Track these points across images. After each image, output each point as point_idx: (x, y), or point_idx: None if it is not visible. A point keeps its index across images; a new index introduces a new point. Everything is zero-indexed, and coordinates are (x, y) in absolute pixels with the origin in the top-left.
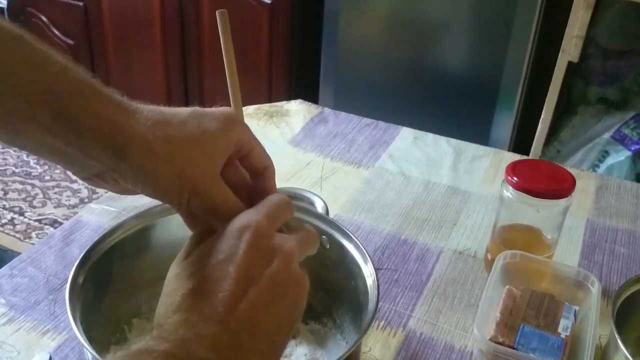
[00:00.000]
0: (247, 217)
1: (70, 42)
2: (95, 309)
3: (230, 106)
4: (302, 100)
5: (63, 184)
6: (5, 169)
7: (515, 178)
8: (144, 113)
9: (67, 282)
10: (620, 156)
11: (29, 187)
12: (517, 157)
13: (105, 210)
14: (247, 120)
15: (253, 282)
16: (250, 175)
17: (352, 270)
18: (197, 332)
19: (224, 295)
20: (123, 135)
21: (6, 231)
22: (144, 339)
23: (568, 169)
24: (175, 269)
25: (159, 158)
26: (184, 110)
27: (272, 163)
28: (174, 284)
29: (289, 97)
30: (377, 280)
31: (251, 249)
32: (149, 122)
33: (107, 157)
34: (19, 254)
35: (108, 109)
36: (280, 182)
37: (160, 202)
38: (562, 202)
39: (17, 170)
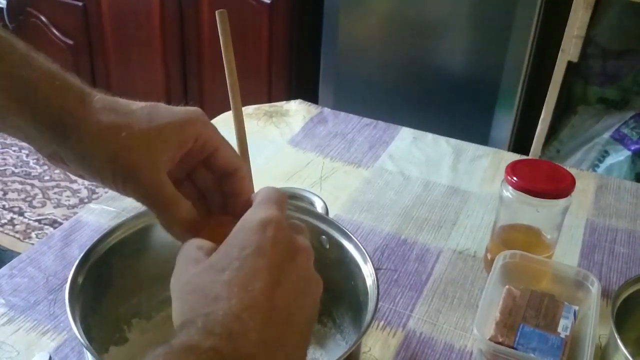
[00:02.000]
0: (264, 212)
1: (70, 42)
2: (95, 309)
3: (230, 106)
4: (301, 100)
5: (63, 184)
6: (4, 169)
7: (514, 178)
8: (94, 99)
9: (66, 282)
10: (619, 156)
11: (28, 187)
12: (516, 157)
13: (105, 210)
14: (247, 120)
15: (283, 275)
16: (221, 177)
17: (351, 270)
18: (243, 324)
19: (261, 285)
20: (68, 117)
21: (6, 231)
22: (186, 331)
23: (568, 169)
24: (197, 268)
25: (95, 141)
26: (141, 103)
27: (244, 165)
28: (206, 277)
29: (289, 97)
30: (377, 280)
31: (277, 242)
32: (97, 107)
33: (54, 137)
34: (18, 254)
35: (60, 92)
36: (280, 182)
37: None
38: (561, 201)
39: (16, 171)
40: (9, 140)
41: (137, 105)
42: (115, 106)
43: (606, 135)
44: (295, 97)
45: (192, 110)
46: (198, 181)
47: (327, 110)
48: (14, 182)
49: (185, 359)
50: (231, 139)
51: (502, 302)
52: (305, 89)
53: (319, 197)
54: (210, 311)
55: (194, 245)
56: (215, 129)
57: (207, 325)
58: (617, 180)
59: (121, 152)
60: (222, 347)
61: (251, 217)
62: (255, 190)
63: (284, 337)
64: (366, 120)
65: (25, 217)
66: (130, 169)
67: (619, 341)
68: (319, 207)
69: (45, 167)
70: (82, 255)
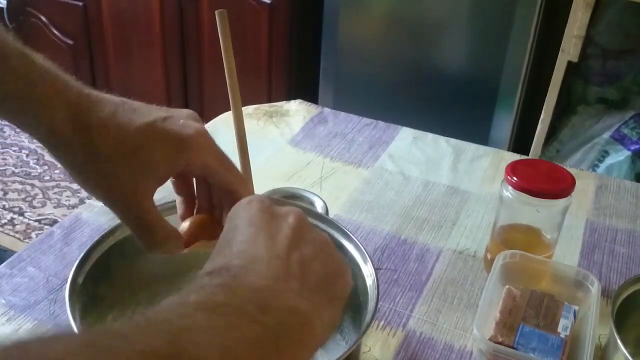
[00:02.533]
0: (246, 198)
1: (70, 42)
2: (95, 308)
3: (230, 106)
4: (301, 100)
5: (63, 184)
6: (5, 169)
7: (514, 178)
8: (96, 114)
9: (67, 282)
10: (619, 156)
11: (28, 187)
12: (516, 157)
13: (105, 209)
14: (247, 120)
15: (279, 233)
16: (223, 193)
17: (351, 270)
18: (247, 270)
19: (260, 244)
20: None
21: (6, 231)
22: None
23: (567, 169)
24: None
25: (83, 165)
26: (138, 123)
27: (243, 188)
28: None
29: (289, 97)
30: (377, 280)
31: (264, 211)
32: (98, 123)
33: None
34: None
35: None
36: (280, 182)
37: (160, 202)
38: (561, 201)
39: (16, 171)
40: (9, 140)
41: (134, 124)
42: (112, 124)
43: (606, 135)
44: (295, 97)
45: (188, 134)
46: (191, 182)
47: (327, 110)
48: (14, 182)
49: (195, 293)
50: (231, 139)
51: (502, 302)
52: (305, 89)
53: (319, 197)
54: (231, 265)
55: None
56: (213, 150)
57: (212, 275)
58: (617, 180)
59: (106, 178)
60: (227, 282)
61: (235, 207)
62: (256, 190)
63: (298, 280)
64: (366, 120)
65: (26, 217)
66: (113, 195)
67: (618, 341)
68: (319, 207)
69: (46, 167)
70: (82, 255)
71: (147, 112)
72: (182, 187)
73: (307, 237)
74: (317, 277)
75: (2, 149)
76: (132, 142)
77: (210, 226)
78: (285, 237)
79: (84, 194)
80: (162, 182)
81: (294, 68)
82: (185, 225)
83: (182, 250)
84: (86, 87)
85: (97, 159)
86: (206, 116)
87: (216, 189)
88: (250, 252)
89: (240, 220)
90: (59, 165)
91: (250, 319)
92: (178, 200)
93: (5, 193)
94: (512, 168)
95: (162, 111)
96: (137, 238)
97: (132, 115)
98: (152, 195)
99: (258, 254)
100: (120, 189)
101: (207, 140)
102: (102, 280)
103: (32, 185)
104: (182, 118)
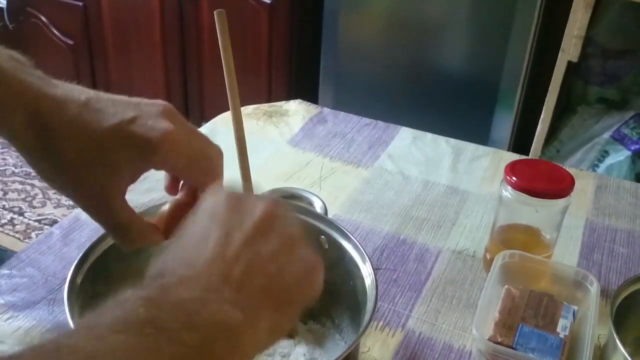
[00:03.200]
0: (215, 188)
1: (70, 42)
2: (93, 308)
3: (229, 106)
4: (301, 100)
5: None
6: (5, 169)
7: (514, 178)
8: (63, 119)
9: (65, 282)
10: (619, 156)
11: (28, 187)
12: (516, 156)
13: None
14: (246, 120)
15: (235, 229)
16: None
17: (350, 270)
18: (176, 276)
19: (206, 242)
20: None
21: (6, 231)
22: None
23: (567, 169)
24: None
25: (59, 181)
26: (104, 123)
27: (213, 179)
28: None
29: (289, 97)
30: (376, 280)
31: (229, 203)
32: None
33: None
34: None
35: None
36: (279, 182)
37: (158, 202)
38: (561, 201)
39: (16, 171)
40: None
41: (99, 128)
42: (75, 128)
43: (606, 135)
44: (295, 97)
45: (154, 137)
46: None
47: (326, 110)
48: (14, 182)
49: (112, 310)
50: (230, 139)
51: (501, 302)
52: (305, 89)
53: (318, 197)
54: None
55: None
56: (181, 152)
57: (138, 287)
58: (617, 180)
59: (73, 182)
60: (151, 295)
61: (204, 196)
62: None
63: (235, 286)
64: (366, 120)
65: (26, 217)
66: (83, 199)
67: (617, 341)
68: (318, 207)
69: None
70: (80, 255)
71: (113, 113)
72: None
73: (272, 233)
74: (267, 280)
75: (2, 149)
76: (96, 146)
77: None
78: (242, 234)
79: None
80: (131, 182)
81: (294, 68)
82: (164, 209)
83: (163, 241)
84: (52, 86)
85: (61, 164)
86: (206, 116)
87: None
88: (192, 253)
89: (202, 212)
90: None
91: (170, 338)
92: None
93: (5, 193)
94: (512, 168)
95: (131, 109)
96: (113, 238)
97: (97, 116)
98: (123, 194)
99: (201, 255)
100: (89, 192)
101: (175, 142)
102: (100, 280)
103: (32, 185)
104: (151, 117)
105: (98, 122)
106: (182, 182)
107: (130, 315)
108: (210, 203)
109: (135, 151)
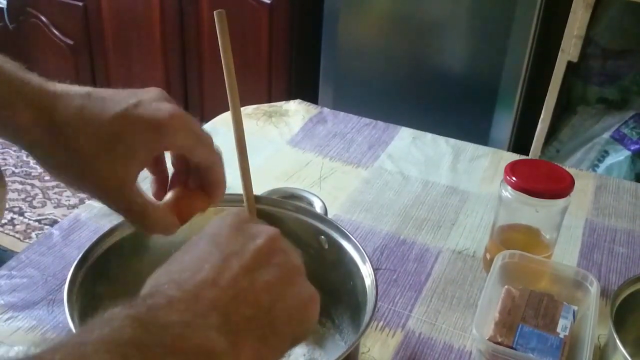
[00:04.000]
0: (226, 211)
1: (70, 42)
2: (94, 309)
3: (229, 106)
4: (301, 100)
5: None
6: (5, 169)
7: (514, 178)
8: (60, 108)
9: (65, 282)
10: (619, 156)
11: (28, 187)
12: (516, 156)
13: (103, 210)
14: (246, 120)
15: (235, 256)
16: (200, 169)
17: (350, 271)
18: (165, 297)
19: (204, 266)
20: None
21: (6, 231)
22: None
23: (567, 169)
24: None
25: (71, 174)
26: (111, 110)
27: (218, 158)
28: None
29: (289, 97)
30: (376, 280)
31: (232, 228)
32: (63, 119)
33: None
34: (18, 254)
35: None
36: (279, 182)
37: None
38: (560, 201)
39: (17, 171)
40: None
41: (106, 115)
42: (81, 119)
43: (606, 135)
44: (295, 97)
45: (163, 117)
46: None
47: (326, 110)
48: (14, 182)
49: (99, 328)
50: (230, 139)
51: (501, 302)
52: (305, 89)
53: (317, 197)
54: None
55: None
56: (189, 130)
57: (126, 306)
58: (617, 180)
59: (84, 173)
60: (139, 314)
61: (212, 219)
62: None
63: (223, 313)
64: (365, 120)
65: (26, 217)
66: (96, 189)
67: (617, 341)
68: (318, 207)
69: None
70: (80, 255)
71: (116, 100)
72: (156, 166)
73: (271, 262)
74: (257, 310)
75: (2, 149)
76: (107, 133)
77: (194, 196)
78: (240, 262)
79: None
80: (142, 167)
81: (294, 68)
82: (168, 198)
83: (179, 226)
84: (50, 84)
85: (73, 156)
86: (206, 116)
87: (193, 169)
88: (187, 274)
89: (205, 234)
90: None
91: None
92: (151, 179)
93: (6, 193)
94: (512, 168)
95: (131, 96)
96: (132, 225)
97: (102, 105)
98: (135, 181)
99: (195, 278)
100: (102, 182)
101: (182, 121)
102: (100, 280)
103: (32, 185)
104: (153, 101)
105: (105, 111)
106: (169, 183)
107: (116, 335)
108: (215, 225)
109: (147, 134)
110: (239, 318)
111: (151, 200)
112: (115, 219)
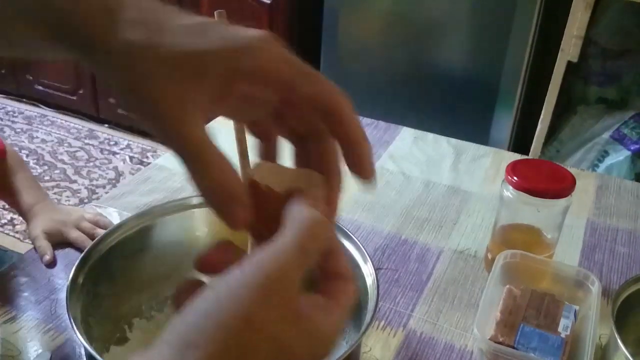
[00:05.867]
0: (274, 262)
1: None
2: (95, 308)
3: None
4: None
5: (63, 184)
6: None
7: (515, 178)
8: (124, 7)
9: (67, 282)
10: (619, 156)
11: None
12: (517, 156)
13: (104, 211)
14: None
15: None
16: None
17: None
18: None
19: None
20: (89, 35)
21: (6, 231)
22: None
23: (568, 169)
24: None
25: (114, 66)
26: (190, 19)
27: (345, 102)
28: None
29: None
30: (377, 280)
31: (271, 308)
32: (126, 18)
33: (79, 58)
34: (19, 254)
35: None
36: None
37: (160, 202)
38: (562, 201)
39: None
40: (9, 140)
41: (182, 20)
42: (150, 18)
43: (606, 135)
44: None
45: (258, 35)
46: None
47: None
48: None
49: None
50: (231, 140)
51: (503, 302)
52: None
53: None
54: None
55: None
56: (286, 57)
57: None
58: (618, 180)
59: (139, 82)
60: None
61: (254, 258)
62: None
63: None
64: (367, 120)
65: None
66: (149, 106)
67: (619, 341)
68: None
69: (46, 167)
70: (82, 255)
71: (186, 15)
72: (255, 126)
73: (308, 332)
74: None
75: None
76: (174, 39)
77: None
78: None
79: (84, 194)
80: (215, 93)
81: None
82: (260, 164)
83: (243, 196)
84: None
85: (138, 79)
86: None
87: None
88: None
89: (256, 272)
90: (58, 165)
91: None
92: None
93: None
94: (513, 168)
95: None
96: (185, 169)
97: (175, 15)
98: (200, 111)
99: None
100: (166, 112)
101: (277, 45)
102: (102, 280)
103: None
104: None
105: (175, 22)
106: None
107: None
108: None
109: (228, 49)
110: None
111: (214, 145)
112: (115, 219)
